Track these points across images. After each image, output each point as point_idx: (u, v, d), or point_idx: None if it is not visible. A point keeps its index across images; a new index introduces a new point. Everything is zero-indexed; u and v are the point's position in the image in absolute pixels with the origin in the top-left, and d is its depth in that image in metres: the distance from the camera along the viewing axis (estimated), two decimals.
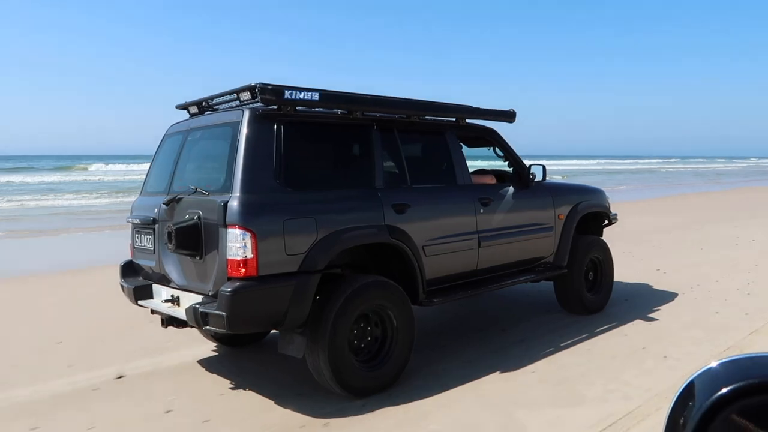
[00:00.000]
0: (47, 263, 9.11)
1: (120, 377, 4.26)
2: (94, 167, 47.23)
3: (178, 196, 3.83)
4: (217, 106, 4.16)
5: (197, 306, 3.47)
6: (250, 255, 3.32)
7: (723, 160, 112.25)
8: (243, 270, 3.31)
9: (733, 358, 1.04)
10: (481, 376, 4.12)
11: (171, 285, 3.93)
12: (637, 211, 15.82)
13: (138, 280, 4.33)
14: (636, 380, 3.94)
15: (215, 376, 4.30)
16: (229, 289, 3.28)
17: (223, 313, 3.28)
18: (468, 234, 4.53)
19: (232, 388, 4.05)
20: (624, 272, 7.29)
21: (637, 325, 5.28)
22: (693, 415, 0.96)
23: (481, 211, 4.65)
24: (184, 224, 3.55)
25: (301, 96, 3.68)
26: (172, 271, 3.91)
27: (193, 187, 3.75)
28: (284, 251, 3.45)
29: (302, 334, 3.64)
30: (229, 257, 3.35)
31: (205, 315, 3.39)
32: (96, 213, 17.21)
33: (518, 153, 5.28)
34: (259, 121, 3.60)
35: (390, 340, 3.95)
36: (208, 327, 3.42)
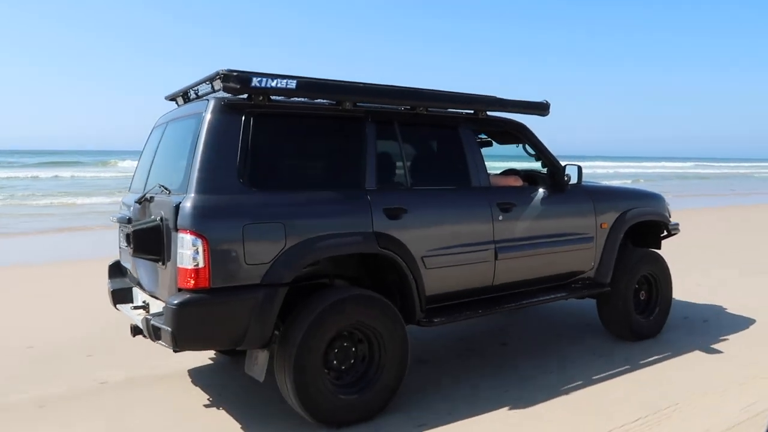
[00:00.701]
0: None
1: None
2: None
3: (150, 195, 3.52)
4: (203, 96, 3.81)
5: (149, 318, 3.13)
6: (201, 264, 2.93)
7: None
8: (192, 281, 2.93)
9: None
10: (491, 410, 3.53)
11: (144, 290, 3.64)
12: None
13: (123, 281, 4.08)
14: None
15: (197, 389, 3.98)
16: (174, 302, 2.91)
17: (169, 329, 2.92)
18: (482, 244, 3.92)
19: (206, 406, 3.70)
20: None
21: (694, 359, 4.43)
22: None
23: (500, 217, 4.02)
24: (143, 226, 3.22)
25: (274, 84, 3.24)
26: (143, 275, 3.62)
27: (160, 185, 3.43)
28: (243, 261, 3.03)
29: (269, 352, 3.22)
30: (178, 266, 2.98)
31: (156, 329, 3.05)
32: None
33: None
34: (223, 112, 3.20)
35: (376, 364, 3.45)
36: (160, 342, 3.07)
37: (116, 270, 4.19)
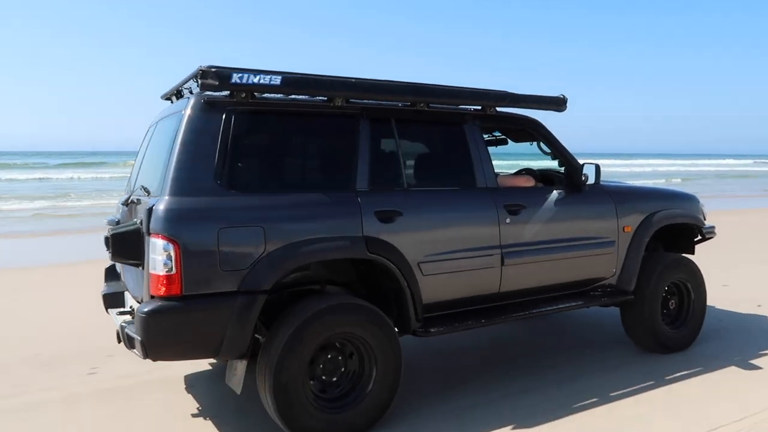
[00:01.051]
0: None
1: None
2: None
3: (135, 197, 3.41)
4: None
5: (124, 325, 3.02)
6: (173, 270, 2.78)
7: None
8: (163, 288, 2.78)
9: None
10: (489, 428, 3.26)
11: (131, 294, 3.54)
12: None
13: (118, 285, 4.00)
14: None
15: (189, 396, 3.86)
16: (144, 310, 2.77)
17: (139, 338, 2.79)
18: (486, 249, 3.65)
19: (194, 415, 3.57)
20: None
21: (730, 377, 4.03)
22: None
23: (508, 220, 3.73)
24: (121, 230, 3.10)
25: (256, 80, 3.06)
26: (129, 280, 3.52)
27: (142, 186, 3.31)
28: (218, 267, 2.86)
29: (247, 363, 3.05)
30: (150, 271, 2.84)
31: (131, 337, 2.93)
32: None
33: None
34: (202, 110, 3.05)
35: (366, 377, 3.23)
36: (134, 351, 2.95)
37: (112, 273, 4.11)
